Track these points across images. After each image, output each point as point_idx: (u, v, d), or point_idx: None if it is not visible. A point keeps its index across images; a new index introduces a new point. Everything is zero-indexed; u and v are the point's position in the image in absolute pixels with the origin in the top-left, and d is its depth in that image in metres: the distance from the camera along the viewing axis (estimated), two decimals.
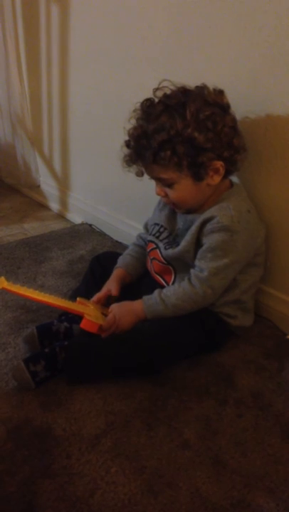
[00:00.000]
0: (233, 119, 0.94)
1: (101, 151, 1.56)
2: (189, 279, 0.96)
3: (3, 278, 0.92)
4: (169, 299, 0.96)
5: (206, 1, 1.03)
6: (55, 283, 1.33)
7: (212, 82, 0.94)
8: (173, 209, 1.07)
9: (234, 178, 1.05)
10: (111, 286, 1.08)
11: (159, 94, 0.93)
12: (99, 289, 1.08)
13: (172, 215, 1.08)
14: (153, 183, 1.01)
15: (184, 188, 0.95)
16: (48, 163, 1.87)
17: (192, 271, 0.97)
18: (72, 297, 1.15)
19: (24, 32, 1.71)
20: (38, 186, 1.97)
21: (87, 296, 1.06)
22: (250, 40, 0.97)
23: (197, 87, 0.93)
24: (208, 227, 0.94)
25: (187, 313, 0.97)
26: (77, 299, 1.02)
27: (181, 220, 1.06)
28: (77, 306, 0.99)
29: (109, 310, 1.01)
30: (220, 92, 0.93)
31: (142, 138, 0.91)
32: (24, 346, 1.03)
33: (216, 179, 0.94)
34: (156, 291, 0.99)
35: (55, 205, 1.89)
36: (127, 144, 0.96)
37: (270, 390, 0.93)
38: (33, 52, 1.71)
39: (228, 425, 0.85)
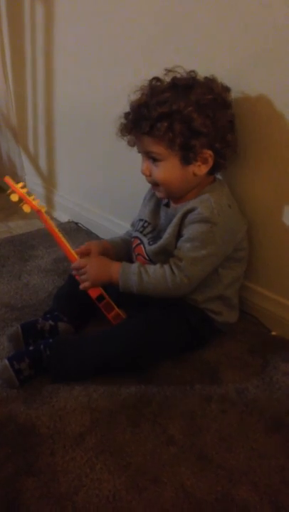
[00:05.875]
0: (233, 116, 0.96)
1: (87, 149, 1.55)
2: (170, 266, 0.95)
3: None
4: (146, 275, 0.95)
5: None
6: (41, 281, 1.32)
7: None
8: (156, 203, 1.08)
9: (218, 175, 1.05)
10: (92, 242, 1.10)
11: (170, 75, 0.95)
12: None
13: (156, 210, 1.09)
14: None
15: (170, 169, 0.95)
16: (34, 160, 1.86)
17: (171, 259, 0.96)
18: (58, 296, 1.15)
19: (9, 29, 1.70)
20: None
21: (74, 294, 1.07)
22: (238, 35, 0.97)
23: (206, 77, 0.95)
24: (189, 217, 0.94)
25: (157, 298, 0.97)
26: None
27: (162, 215, 1.06)
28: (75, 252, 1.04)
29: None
30: (226, 89, 0.95)
31: (143, 107, 0.92)
32: (8, 344, 1.02)
33: (203, 170, 0.95)
34: (137, 263, 0.99)
35: (40, 203, 1.87)
36: (126, 116, 0.97)
37: (254, 386, 0.94)
38: (17, 49, 1.69)
39: (213, 421, 0.86)
